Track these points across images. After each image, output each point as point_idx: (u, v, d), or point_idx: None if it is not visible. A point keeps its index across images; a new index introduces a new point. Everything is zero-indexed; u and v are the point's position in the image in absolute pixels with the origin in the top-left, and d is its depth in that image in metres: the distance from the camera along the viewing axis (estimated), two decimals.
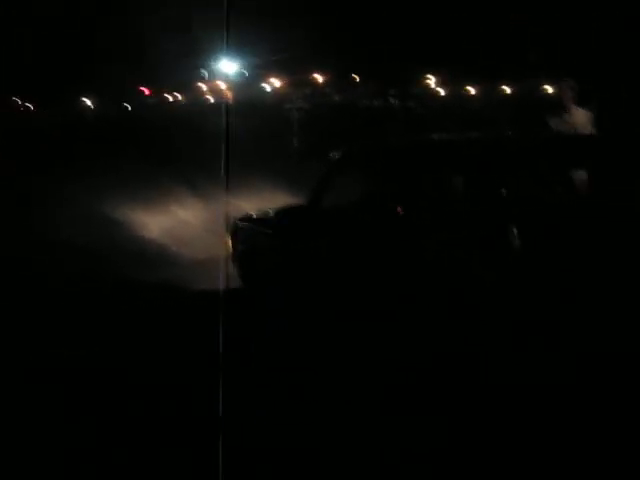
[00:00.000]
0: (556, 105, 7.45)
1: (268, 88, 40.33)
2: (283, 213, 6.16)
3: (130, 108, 35.81)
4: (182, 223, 10.88)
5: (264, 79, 39.08)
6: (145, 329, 6.32)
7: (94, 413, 4.63)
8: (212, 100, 40.47)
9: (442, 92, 41.27)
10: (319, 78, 38.50)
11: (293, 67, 34.40)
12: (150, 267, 8.42)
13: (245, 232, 6.89)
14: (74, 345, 5.92)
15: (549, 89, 37.41)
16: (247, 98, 35.48)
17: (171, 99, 45.76)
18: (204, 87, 43.13)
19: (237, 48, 27.70)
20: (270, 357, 5.28)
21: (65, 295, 7.32)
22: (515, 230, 4.48)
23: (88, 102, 40.43)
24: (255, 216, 7.03)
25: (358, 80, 38.47)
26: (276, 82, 38.55)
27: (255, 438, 4.14)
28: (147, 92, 42.85)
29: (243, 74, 34.97)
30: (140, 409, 4.64)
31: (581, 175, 5.54)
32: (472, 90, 39.11)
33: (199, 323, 6.03)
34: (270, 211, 6.78)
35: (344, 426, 4.19)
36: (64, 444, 4.22)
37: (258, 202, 10.08)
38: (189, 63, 33.80)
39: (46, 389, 4.98)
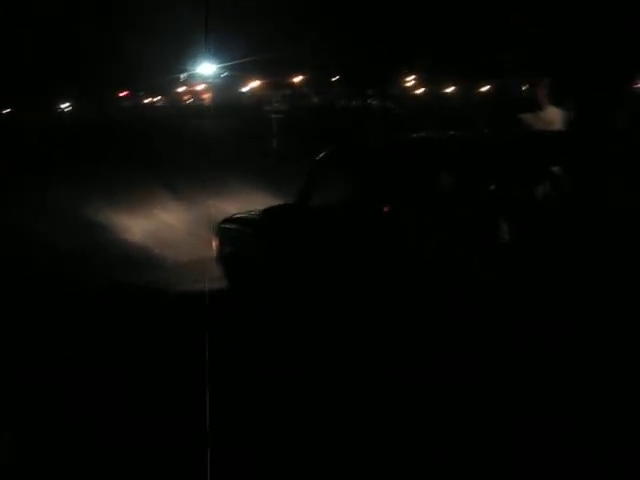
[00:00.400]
0: (531, 103, 7.54)
1: (247, 90, 40.31)
2: (268, 213, 6.20)
3: (109, 111, 35.63)
4: (165, 226, 10.90)
5: (243, 81, 39.04)
6: (130, 331, 6.34)
7: (79, 413, 4.66)
8: (192, 102, 40.39)
9: (420, 92, 41.43)
10: (298, 79, 38.56)
11: (272, 69, 34.40)
12: (135, 270, 8.44)
13: (230, 233, 6.92)
14: (58, 347, 5.93)
15: (526, 88, 37.57)
16: (227, 100, 35.47)
17: (150, 102, 45.59)
18: (184, 89, 43.04)
19: (216, 50, 27.73)
20: (256, 358, 5.31)
21: (49, 298, 7.31)
22: (505, 227, 4.55)
23: (67, 106, 40.23)
24: (240, 217, 7.05)
25: (337, 81, 38.55)
26: (255, 84, 38.52)
27: (242, 439, 4.17)
28: (125, 94, 42.69)
29: (222, 76, 34.93)
30: (127, 410, 4.65)
31: (567, 171, 5.63)
32: (450, 89, 39.31)
33: (185, 324, 6.11)
34: (255, 212, 6.81)
35: (332, 427, 4.20)
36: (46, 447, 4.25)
37: (239, 204, 10.13)
38: (169, 65, 33.68)
39: (28, 391, 4.99)
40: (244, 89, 40.05)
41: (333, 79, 38.20)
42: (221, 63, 30.97)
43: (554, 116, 7.34)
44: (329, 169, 6.04)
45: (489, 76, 34.58)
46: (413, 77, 41.03)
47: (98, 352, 5.78)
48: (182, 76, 36.99)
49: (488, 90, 36.37)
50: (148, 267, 8.71)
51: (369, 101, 35.64)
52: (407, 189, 5.38)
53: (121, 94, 41.55)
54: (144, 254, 9.34)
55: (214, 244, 7.21)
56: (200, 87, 38.47)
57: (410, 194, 5.32)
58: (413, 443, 3.98)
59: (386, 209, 5.34)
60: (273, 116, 25.98)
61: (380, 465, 3.84)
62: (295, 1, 30.05)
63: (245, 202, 10.48)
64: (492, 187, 5.14)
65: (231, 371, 4.99)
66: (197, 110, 30.61)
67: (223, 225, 7.12)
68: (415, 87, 41.70)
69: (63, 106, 39.88)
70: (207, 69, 31.28)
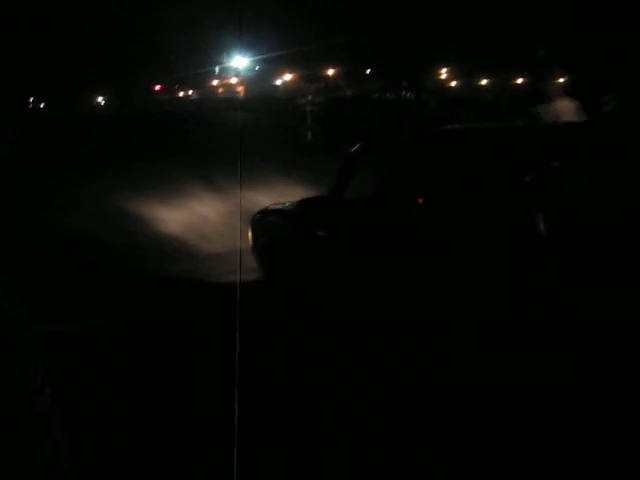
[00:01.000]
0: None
1: (280, 83, 40.40)
2: (304, 204, 6.22)
3: (144, 104, 35.91)
4: (200, 217, 10.98)
5: (277, 74, 39.14)
6: (165, 320, 6.42)
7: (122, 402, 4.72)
8: (226, 95, 40.53)
9: (453, 85, 41.26)
10: (331, 72, 38.57)
11: (305, 62, 34.43)
12: (170, 261, 8.55)
13: (266, 224, 6.96)
14: (98, 333, 6.03)
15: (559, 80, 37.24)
16: (260, 93, 35.58)
17: (185, 95, 45.85)
18: (218, 82, 43.22)
19: (250, 44, 27.80)
20: (289, 350, 5.35)
21: (88, 287, 7.42)
22: (541, 216, 4.53)
23: (103, 99, 40.60)
24: (275, 208, 7.08)
25: (370, 74, 38.50)
26: (289, 77, 38.61)
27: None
28: (160, 87, 42.99)
29: (256, 69, 35.06)
30: (162, 400, 4.70)
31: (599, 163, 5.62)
32: (483, 82, 39.10)
33: (218, 315, 6.16)
34: (290, 203, 6.84)
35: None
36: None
37: (273, 195, 10.18)
38: (203, 59, 33.84)
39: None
40: (278, 82, 40.16)
41: (367, 72, 38.16)
42: (255, 56, 31.07)
43: (567, 109, 8.18)
44: (364, 161, 6.04)
45: (522, 70, 34.37)
46: (446, 70, 40.88)
47: (136, 339, 5.86)
48: (216, 69, 37.17)
49: (521, 83, 36.12)
50: (183, 258, 8.80)
51: (403, 94, 35.53)
52: (441, 180, 5.38)
53: (156, 87, 41.88)
54: (179, 245, 9.43)
55: (249, 235, 7.25)
56: (234, 80, 38.66)
57: (444, 185, 5.32)
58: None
59: (420, 200, 5.34)
60: (307, 109, 25.97)
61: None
62: None
63: (278, 194, 10.54)
64: (527, 178, 5.10)
65: (263, 363, 5.01)
66: (231, 103, 30.67)
67: (258, 216, 7.16)
68: (448, 80, 41.56)
69: (99, 99, 40.30)
70: (241, 62, 31.41)
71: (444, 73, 41.14)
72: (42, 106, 36.02)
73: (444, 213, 5.09)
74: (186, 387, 4.82)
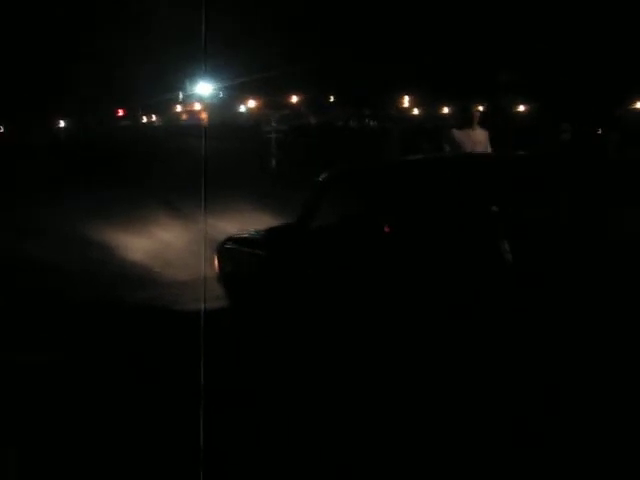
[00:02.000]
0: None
1: (245, 110, 40.46)
2: (272, 233, 6.23)
3: (107, 129, 35.72)
4: (164, 245, 10.90)
5: (241, 101, 39.22)
6: (128, 348, 6.34)
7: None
8: (189, 122, 40.46)
9: (416, 112, 41.65)
10: (295, 99, 38.75)
11: (269, 88, 34.56)
12: (134, 288, 8.46)
13: (233, 253, 6.93)
14: (57, 362, 5.93)
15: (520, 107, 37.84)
16: (224, 120, 35.56)
17: (148, 121, 45.70)
18: (181, 109, 43.17)
19: (214, 70, 27.85)
20: (254, 377, 5.32)
21: (48, 315, 7.32)
22: (507, 246, 4.57)
23: (64, 124, 40.29)
24: (242, 237, 7.06)
25: (334, 101, 38.74)
26: (253, 104, 38.69)
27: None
28: (123, 113, 42.82)
29: (219, 96, 35.06)
30: (123, 427, 4.66)
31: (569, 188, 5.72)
32: (446, 109, 39.53)
33: (182, 342, 6.10)
34: (257, 231, 6.83)
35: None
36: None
37: (238, 223, 10.17)
38: (166, 85, 33.80)
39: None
40: (242, 108, 40.21)
41: (331, 99, 38.41)
42: (218, 83, 31.09)
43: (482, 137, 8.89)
44: (331, 190, 6.06)
45: (484, 96, 34.85)
46: (409, 98, 41.29)
47: (97, 367, 5.77)
48: (180, 95, 37.14)
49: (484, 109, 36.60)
50: (147, 285, 8.72)
51: (366, 121, 35.80)
52: (408, 209, 5.42)
53: (119, 112, 41.70)
54: (143, 272, 9.35)
55: (215, 263, 7.21)
56: (197, 106, 38.62)
57: (411, 214, 5.36)
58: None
59: (387, 228, 5.37)
60: (272, 136, 26.02)
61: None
62: (293, 22, 30.23)
63: (243, 222, 10.52)
64: (494, 208, 5.15)
65: (228, 391, 4.97)
66: (195, 129, 30.62)
67: (225, 244, 7.13)
68: (411, 108, 41.96)
69: (62, 124, 39.98)
70: (204, 88, 31.41)
71: (406, 101, 41.53)
72: (1, 131, 35.69)
73: (411, 242, 5.12)
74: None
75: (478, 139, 8.81)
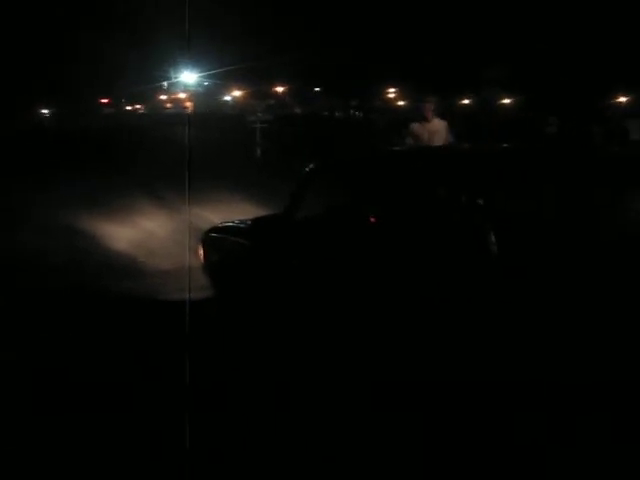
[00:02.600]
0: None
1: (230, 99, 40.30)
2: (258, 223, 6.21)
3: (91, 119, 35.52)
4: (148, 234, 10.85)
5: (226, 90, 39.06)
6: (111, 339, 6.31)
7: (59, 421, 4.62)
8: (174, 110, 40.30)
9: (402, 104, 41.64)
10: (281, 89, 38.63)
11: (255, 78, 34.44)
12: (117, 278, 8.41)
13: (217, 242, 6.91)
14: (42, 355, 5.90)
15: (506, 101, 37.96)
16: (209, 109, 35.45)
17: (132, 109, 45.47)
18: (166, 97, 42.97)
19: (198, 59, 27.72)
20: (240, 369, 5.31)
21: (31, 306, 7.27)
22: (493, 238, 4.57)
23: (47, 112, 40.02)
24: (227, 226, 7.04)
25: (320, 92, 38.68)
26: (238, 93, 38.54)
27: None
28: (107, 101, 42.58)
29: (204, 85, 34.93)
30: (109, 419, 4.64)
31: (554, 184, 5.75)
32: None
33: (167, 332, 6.08)
34: (242, 221, 6.81)
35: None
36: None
37: (222, 213, 10.13)
38: (151, 73, 33.63)
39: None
40: (227, 98, 40.07)
41: (316, 89, 38.34)
42: (203, 71, 30.99)
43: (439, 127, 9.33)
44: (317, 180, 6.05)
45: (469, 89, 34.95)
46: (394, 90, 41.28)
47: (79, 358, 5.74)
48: (164, 84, 36.97)
49: (469, 103, 36.68)
50: (131, 275, 8.67)
51: (352, 112, 35.80)
52: (393, 200, 5.41)
53: (102, 101, 41.47)
54: (127, 262, 9.29)
55: (200, 253, 7.18)
56: (182, 95, 38.46)
57: (397, 205, 5.36)
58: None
59: (373, 219, 5.37)
60: (257, 126, 25.94)
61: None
62: (280, 13, 30.13)
63: (227, 211, 10.48)
64: (480, 200, 5.15)
65: (213, 381, 4.96)
66: (179, 118, 30.50)
67: (209, 234, 7.10)
68: (396, 99, 41.96)
69: (44, 111, 39.70)
70: (189, 77, 31.29)
71: (392, 93, 41.52)
72: None
73: (396, 233, 5.12)
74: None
75: (434, 129, 9.26)
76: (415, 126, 9.32)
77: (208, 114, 32.23)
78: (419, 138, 9.17)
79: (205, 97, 37.04)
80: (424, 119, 9.35)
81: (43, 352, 5.96)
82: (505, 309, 4.47)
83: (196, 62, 28.24)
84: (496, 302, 4.49)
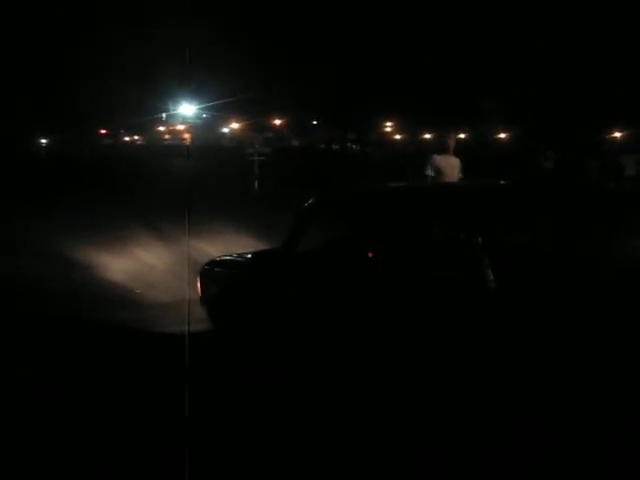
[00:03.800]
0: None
1: (228, 131, 40.52)
2: (258, 257, 6.24)
3: (90, 150, 35.65)
4: (146, 266, 10.85)
5: (224, 122, 39.27)
6: (109, 370, 6.30)
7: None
8: (172, 142, 40.48)
9: (398, 137, 41.89)
10: (278, 122, 38.86)
11: (253, 110, 34.63)
12: (115, 309, 8.42)
13: (216, 276, 6.92)
14: (38, 385, 5.89)
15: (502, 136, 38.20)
16: (207, 141, 35.61)
17: (131, 140, 45.66)
18: (163, 129, 43.19)
19: (197, 91, 27.91)
20: (239, 402, 5.30)
21: (28, 335, 7.27)
22: (491, 275, 4.61)
23: (47, 142, 40.16)
24: (227, 259, 7.06)
25: (317, 124, 38.88)
26: (235, 125, 38.74)
27: None
28: (106, 132, 42.76)
29: (203, 116, 35.11)
30: (105, 448, 4.63)
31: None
32: (427, 137, 39.80)
33: (165, 365, 6.08)
34: (241, 255, 6.84)
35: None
36: None
37: (218, 245, 10.15)
38: (150, 104, 33.80)
39: None
40: (225, 130, 40.27)
41: (314, 122, 38.56)
42: (202, 103, 31.17)
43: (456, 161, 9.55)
44: (317, 215, 6.10)
45: (465, 123, 35.16)
46: (391, 123, 41.54)
47: (76, 390, 5.73)
48: (163, 115, 37.16)
49: (465, 138, 36.89)
50: (129, 307, 8.67)
51: (349, 145, 35.99)
52: (391, 235, 5.47)
53: (101, 131, 41.65)
54: (125, 294, 9.30)
55: (198, 286, 7.19)
56: (181, 126, 38.67)
57: (395, 240, 5.41)
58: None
59: (371, 254, 5.42)
60: (255, 158, 26.06)
61: None
62: (277, 44, 30.38)
63: (226, 243, 10.51)
64: (478, 235, 5.19)
65: (212, 417, 4.96)
66: (178, 149, 30.63)
67: (208, 267, 7.11)
68: (393, 133, 42.21)
69: (43, 141, 39.84)
70: (188, 109, 31.47)
71: (389, 127, 41.78)
72: None
73: (394, 268, 5.16)
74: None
75: (454, 163, 9.48)
76: (438, 158, 9.42)
77: (206, 146, 32.37)
78: (439, 170, 9.30)
79: (203, 129, 37.22)
80: (445, 151, 9.50)
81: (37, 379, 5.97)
82: (504, 343, 4.50)
83: (194, 94, 28.40)
84: (495, 336, 4.52)
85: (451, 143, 9.61)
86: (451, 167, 9.36)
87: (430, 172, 9.33)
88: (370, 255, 5.45)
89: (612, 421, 4.11)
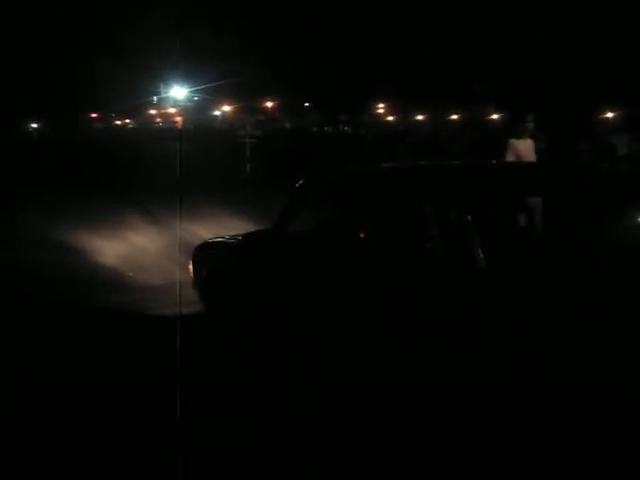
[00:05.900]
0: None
1: (220, 114, 40.37)
2: (249, 238, 6.23)
3: (82, 133, 35.49)
4: (138, 249, 10.84)
5: (215, 105, 39.12)
6: (102, 353, 6.30)
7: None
8: (163, 126, 40.32)
9: (391, 119, 41.81)
10: (270, 104, 38.73)
11: (244, 93, 34.51)
12: (108, 292, 8.42)
13: (208, 258, 6.92)
14: (31, 369, 5.89)
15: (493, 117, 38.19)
16: (198, 124, 35.51)
17: (122, 124, 45.46)
18: (155, 112, 43.00)
19: (188, 73, 27.79)
20: (231, 384, 5.32)
21: (22, 319, 7.26)
22: (481, 254, 4.62)
23: (37, 126, 39.96)
24: (218, 242, 7.05)
25: (309, 106, 38.78)
26: (227, 108, 38.60)
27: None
28: (96, 116, 42.57)
29: (194, 99, 34.96)
30: (99, 432, 4.65)
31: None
32: (420, 117, 39.72)
33: (158, 347, 6.08)
34: (233, 237, 6.83)
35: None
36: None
37: (212, 228, 10.14)
38: (141, 88, 33.64)
39: None
40: (216, 112, 40.12)
41: (305, 104, 38.45)
42: (193, 86, 31.02)
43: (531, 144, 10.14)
44: (308, 196, 6.09)
45: (457, 105, 35.13)
46: (384, 105, 41.45)
47: (69, 373, 5.74)
48: (154, 98, 37.00)
49: (458, 118, 36.84)
50: (121, 290, 8.67)
51: (341, 127, 35.91)
52: (383, 215, 5.46)
53: (92, 115, 41.46)
54: (117, 277, 9.29)
55: (190, 268, 7.19)
56: (172, 110, 38.50)
57: (386, 220, 5.40)
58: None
59: (362, 234, 5.42)
60: (246, 140, 25.98)
61: None
62: (269, 28, 30.24)
63: (216, 226, 10.50)
64: (468, 215, 5.20)
65: (203, 397, 4.97)
66: (169, 133, 30.51)
67: (200, 249, 7.11)
68: (385, 114, 42.12)
69: (34, 126, 39.63)
70: (179, 92, 31.31)
71: (381, 108, 41.67)
72: None
73: (385, 248, 5.16)
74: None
75: (530, 147, 10.11)
76: (515, 142, 9.98)
77: (198, 129, 32.26)
78: (518, 153, 9.85)
79: (195, 112, 37.07)
80: (524, 136, 10.10)
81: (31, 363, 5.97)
82: (494, 322, 4.51)
83: (186, 77, 28.26)
84: (485, 315, 4.54)
85: (531, 127, 10.29)
86: (529, 150, 9.97)
87: (510, 155, 9.85)
88: (362, 236, 5.44)
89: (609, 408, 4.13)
